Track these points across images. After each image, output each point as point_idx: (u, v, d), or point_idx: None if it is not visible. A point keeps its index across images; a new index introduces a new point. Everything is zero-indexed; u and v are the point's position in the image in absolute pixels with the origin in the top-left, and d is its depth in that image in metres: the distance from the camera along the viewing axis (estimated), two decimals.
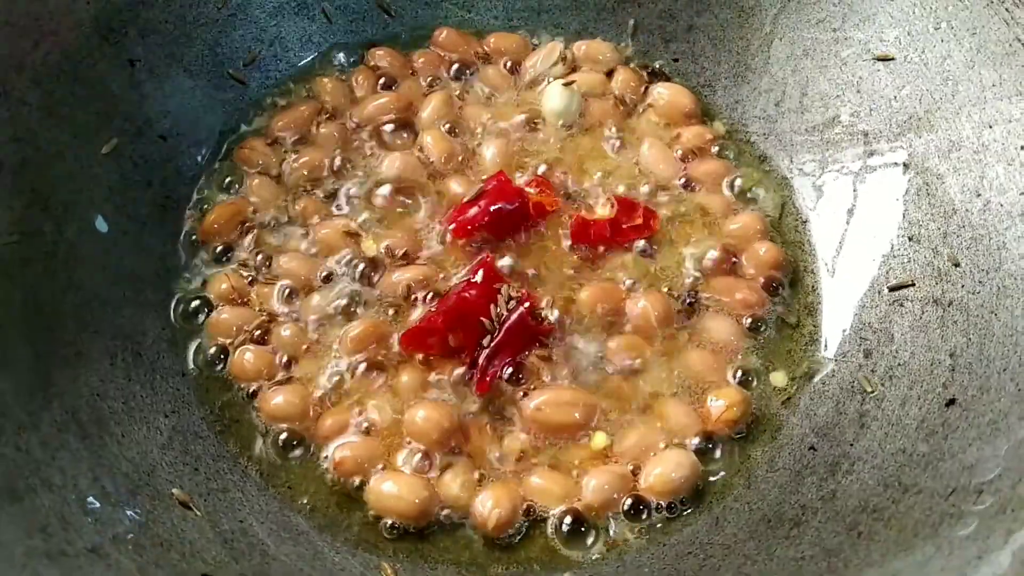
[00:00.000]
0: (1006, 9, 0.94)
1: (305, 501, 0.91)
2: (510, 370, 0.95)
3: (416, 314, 0.99)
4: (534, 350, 0.96)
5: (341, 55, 1.19)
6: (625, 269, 1.03)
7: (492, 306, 0.96)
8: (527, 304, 0.96)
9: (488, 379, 0.94)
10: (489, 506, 0.87)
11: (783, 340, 1.01)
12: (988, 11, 0.96)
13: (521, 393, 0.94)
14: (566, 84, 1.13)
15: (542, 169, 1.09)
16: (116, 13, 1.03)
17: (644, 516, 0.89)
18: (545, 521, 0.89)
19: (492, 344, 0.95)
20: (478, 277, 0.98)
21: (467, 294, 0.96)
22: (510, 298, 0.97)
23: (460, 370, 0.95)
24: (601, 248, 1.03)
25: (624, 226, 1.04)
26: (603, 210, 1.05)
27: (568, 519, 0.89)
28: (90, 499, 0.80)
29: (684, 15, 1.19)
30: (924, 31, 1.02)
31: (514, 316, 0.96)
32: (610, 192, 1.07)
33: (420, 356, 0.96)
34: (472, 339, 0.95)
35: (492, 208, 1.01)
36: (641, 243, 1.04)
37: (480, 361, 0.94)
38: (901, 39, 1.04)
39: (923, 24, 1.02)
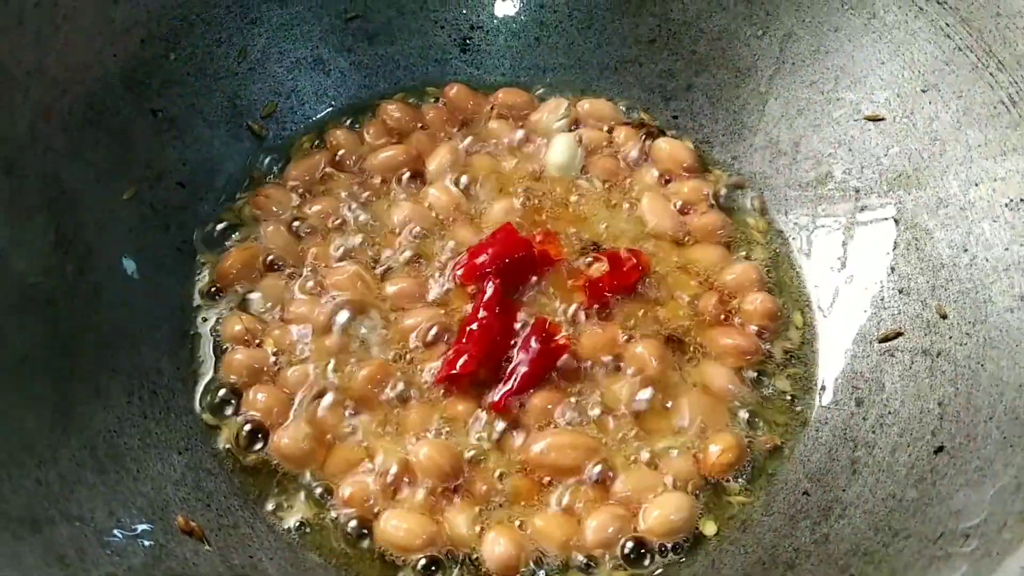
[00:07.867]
0: (990, 73, 0.98)
1: (315, 538, 0.92)
2: (527, 390, 0.98)
3: (438, 355, 1.01)
4: (548, 381, 0.99)
5: (354, 107, 1.23)
6: (624, 315, 1.05)
7: (514, 327, 1.01)
8: (542, 325, 1.01)
9: (504, 398, 0.97)
10: (499, 546, 0.89)
11: (777, 388, 1.03)
12: (973, 75, 1.00)
13: (525, 434, 0.97)
14: (571, 134, 1.18)
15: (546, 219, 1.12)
16: (141, 65, 1.07)
17: (642, 559, 0.91)
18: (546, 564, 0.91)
19: (512, 365, 0.99)
20: (488, 292, 1.02)
21: (489, 322, 1.00)
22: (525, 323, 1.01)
23: (470, 404, 0.98)
24: (617, 296, 1.06)
25: (624, 269, 1.06)
26: (598, 265, 1.08)
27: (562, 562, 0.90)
28: (106, 531, 0.81)
29: (683, 75, 1.23)
30: (912, 93, 1.06)
31: (532, 338, 1.00)
32: (593, 250, 1.10)
33: (426, 394, 0.99)
34: (494, 363, 0.99)
35: (500, 256, 1.04)
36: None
37: (501, 382, 0.98)
38: (891, 100, 1.08)
39: (911, 87, 1.06)
